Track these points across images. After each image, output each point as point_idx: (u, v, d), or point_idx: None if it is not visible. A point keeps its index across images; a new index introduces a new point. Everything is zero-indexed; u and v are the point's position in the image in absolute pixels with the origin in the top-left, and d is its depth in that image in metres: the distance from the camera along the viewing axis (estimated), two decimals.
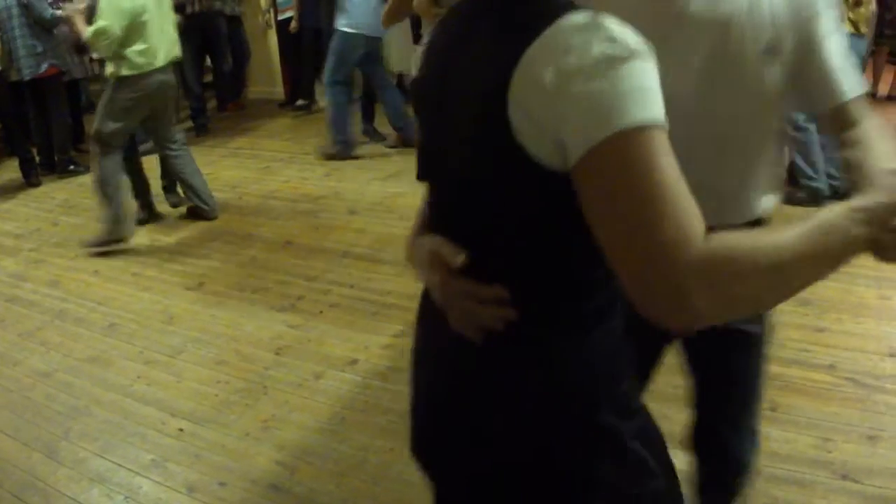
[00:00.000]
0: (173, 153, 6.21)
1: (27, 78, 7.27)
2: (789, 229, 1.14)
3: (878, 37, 8.74)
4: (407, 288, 4.96)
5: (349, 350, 4.31)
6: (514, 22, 1.27)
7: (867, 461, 3.17)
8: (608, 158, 1.13)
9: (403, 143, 8.13)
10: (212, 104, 10.22)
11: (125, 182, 6.05)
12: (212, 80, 10.28)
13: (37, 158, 7.95)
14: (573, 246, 1.18)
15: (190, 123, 9.47)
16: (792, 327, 4.14)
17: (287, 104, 10.28)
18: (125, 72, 5.64)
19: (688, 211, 1.10)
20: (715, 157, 1.82)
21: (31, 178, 7.80)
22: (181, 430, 3.71)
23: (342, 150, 8.03)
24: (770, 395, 3.64)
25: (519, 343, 1.38)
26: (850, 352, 3.92)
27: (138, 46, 5.59)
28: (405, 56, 9.60)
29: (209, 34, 9.37)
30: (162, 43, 5.77)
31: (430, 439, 1.60)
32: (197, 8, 9.00)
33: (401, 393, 3.84)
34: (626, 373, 1.47)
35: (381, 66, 8.05)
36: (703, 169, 1.70)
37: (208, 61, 9.92)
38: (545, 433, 1.40)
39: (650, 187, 1.10)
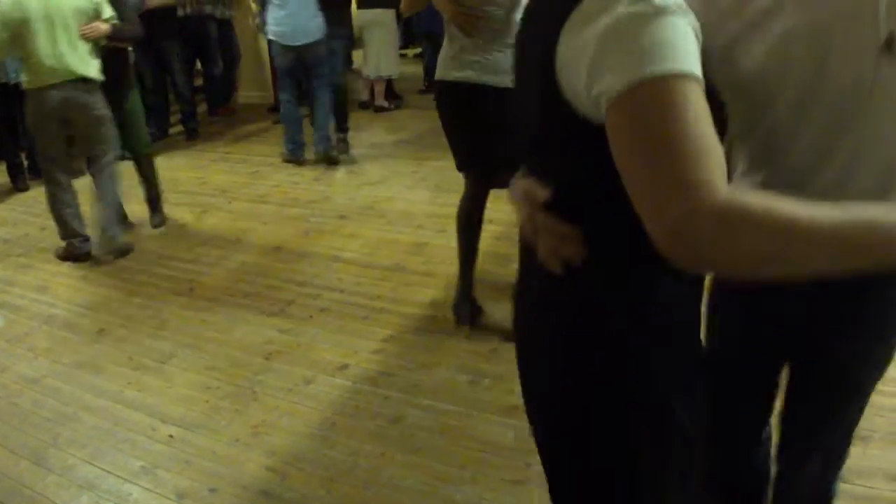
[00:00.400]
0: (96, 177, 5.85)
1: (15, 81, 7.22)
2: (829, 209, 1.14)
3: None
4: (397, 292, 4.96)
5: (339, 355, 4.30)
6: None
7: (858, 462, 3.15)
8: (633, 105, 1.20)
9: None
10: (202, 108, 10.20)
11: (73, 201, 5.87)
12: (202, 83, 10.26)
13: (25, 163, 7.89)
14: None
15: (180, 127, 9.47)
16: None
17: (276, 109, 10.25)
18: (24, 86, 5.52)
19: (710, 158, 1.14)
20: (825, 140, 1.69)
21: (19, 183, 7.76)
22: (171, 436, 3.69)
23: (292, 156, 8.18)
24: None
25: (591, 279, 1.51)
26: None
27: (30, 60, 5.33)
28: (391, 60, 9.63)
29: (199, 38, 9.35)
30: (56, 58, 5.34)
31: (519, 372, 1.79)
32: (188, 11, 8.98)
33: (391, 397, 3.84)
34: (688, 341, 1.59)
35: (321, 76, 7.87)
36: (813, 147, 1.68)
37: (198, 65, 9.91)
38: (585, 380, 1.56)
39: (673, 132, 1.16)
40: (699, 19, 1.28)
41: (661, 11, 1.21)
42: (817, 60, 1.61)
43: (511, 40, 4.01)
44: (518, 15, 3.93)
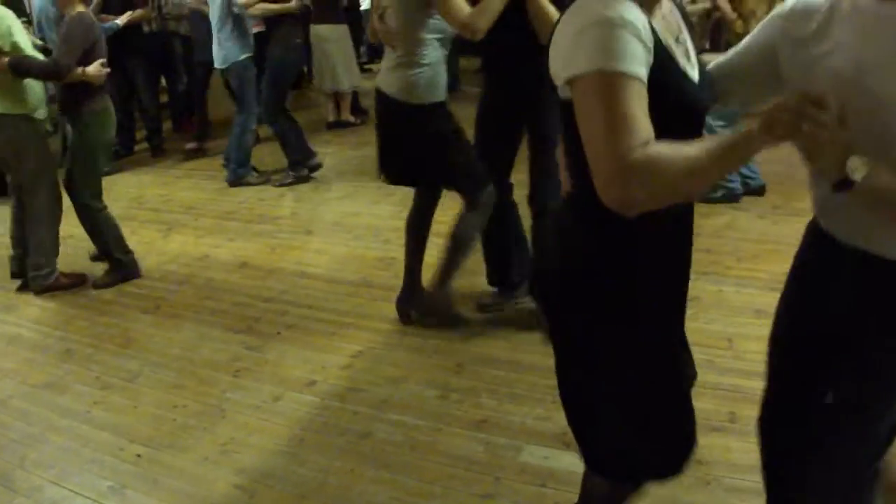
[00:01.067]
0: (25, 209, 5.62)
1: None
2: (704, 143, 1.66)
3: None
4: (364, 308, 4.97)
5: (307, 371, 4.29)
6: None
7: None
8: (580, 91, 1.73)
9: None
10: (167, 125, 10.13)
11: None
12: (167, 100, 10.21)
13: None
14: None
15: (146, 144, 9.43)
16: (750, 339, 4.16)
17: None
18: None
19: (633, 132, 1.63)
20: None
21: None
22: (139, 455, 3.67)
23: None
24: (729, 406, 3.67)
25: (570, 208, 2.11)
26: None
27: None
28: (346, 74, 9.57)
29: (164, 54, 9.32)
30: None
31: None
32: (153, 28, 8.96)
33: (360, 413, 3.83)
34: (656, 280, 2.03)
35: (242, 103, 7.81)
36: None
37: (163, 82, 9.87)
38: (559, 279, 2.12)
39: (605, 112, 1.66)
40: (786, 46, 1.88)
41: (608, 25, 1.68)
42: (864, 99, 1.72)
43: (428, 61, 4.20)
44: (428, 35, 4.17)
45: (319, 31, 9.36)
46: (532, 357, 4.21)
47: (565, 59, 1.77)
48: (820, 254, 2.06)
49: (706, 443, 3.38)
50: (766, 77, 2.00)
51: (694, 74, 1.93)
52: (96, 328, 5.02)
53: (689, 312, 2.22)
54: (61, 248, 5.74)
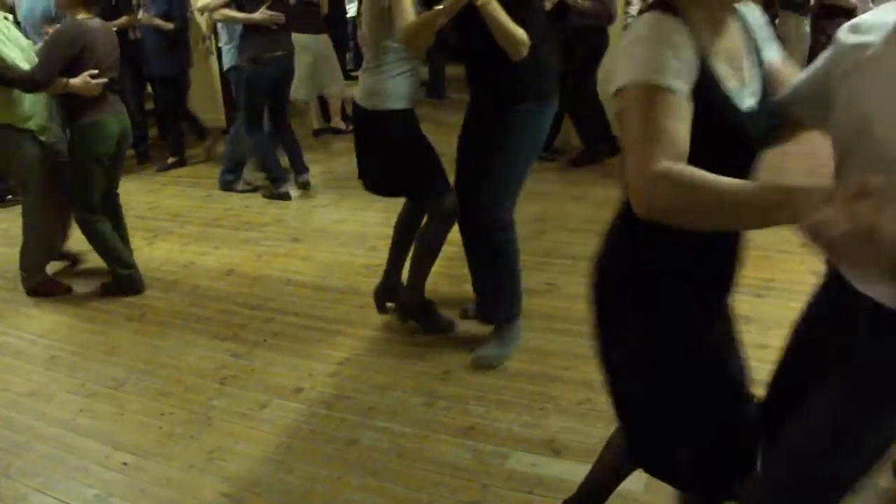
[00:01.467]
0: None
1: None
2: (734, 184, 1.60)
3: None
4: (351, 315, 4.96)
5: (294, 379, 4.29)
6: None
7: None
8: (622, 101, 1.80)
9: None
10: (153, 132, 10.07)
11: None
12: (153, 107, 10.17)
13: None
14: None
15: (131, 151, 9.37)
16: None
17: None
18: None
19: (663, 143, 1.68)
20: None
21: None
22: (125, 463, 3.65)
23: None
24: None
25: (622, 220, 2.16)
26: None
27: None
28: (331, 81, 9.51)
29: None
30: None
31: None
32: (138, 35, 8.91)
33: (346, 420, 3.83)
34: (688, 287, 2.12)
35: (239, 107, 7.86)
36: None
37: (149, 89, 9.82)
38: (610, 281, 2.23)
39: (640, 123, 1.74)
40: (832, 74, 1.85)
41: (652, 40, 1.80)
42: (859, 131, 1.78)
43: (393, 68, 4.17)
44: (395, 44, 4.09)
45: (299, 40, 9.29)
46: (519, 364, 4.22)
47: (616, 72, 1.84)
48: (835, 304, 2.04)
49: None
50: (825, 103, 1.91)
51: (742, 100, 1.93)
52: (81, 335, 5.01)
53: None
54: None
